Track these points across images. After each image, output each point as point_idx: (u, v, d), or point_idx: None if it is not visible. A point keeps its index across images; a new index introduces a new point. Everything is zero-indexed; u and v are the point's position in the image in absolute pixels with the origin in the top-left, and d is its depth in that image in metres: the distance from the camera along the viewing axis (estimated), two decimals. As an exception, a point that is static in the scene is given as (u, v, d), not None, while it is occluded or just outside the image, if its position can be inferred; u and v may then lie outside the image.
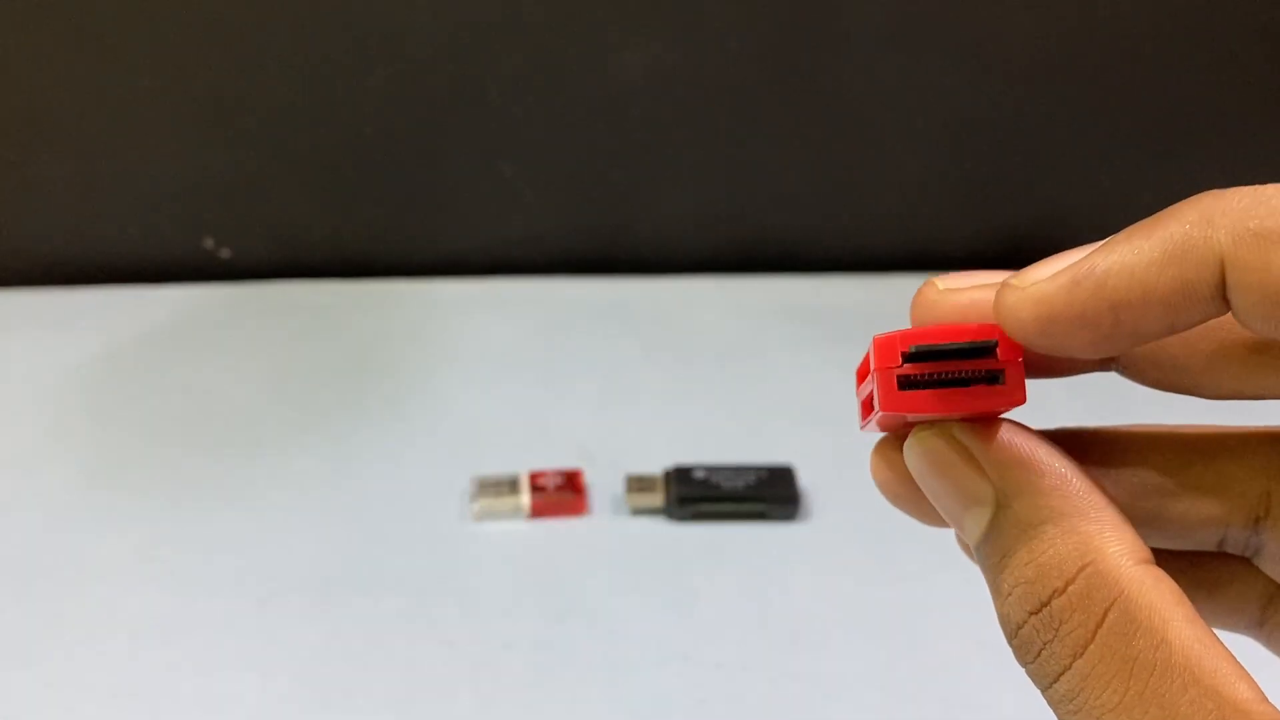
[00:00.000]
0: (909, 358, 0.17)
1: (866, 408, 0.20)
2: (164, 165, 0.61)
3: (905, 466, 0.19)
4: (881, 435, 0.21)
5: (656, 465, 0.49)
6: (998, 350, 0.17)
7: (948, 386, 0.17)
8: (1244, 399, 0.18)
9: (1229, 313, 0.16)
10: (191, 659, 0.41)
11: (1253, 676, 0.15)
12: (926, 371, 0.17)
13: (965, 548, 0.19)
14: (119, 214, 0.63)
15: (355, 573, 0.44)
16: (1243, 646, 0.17)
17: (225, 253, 0.64)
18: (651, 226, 0.65)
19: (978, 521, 0.17)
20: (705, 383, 0.56)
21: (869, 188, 0.64)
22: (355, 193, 0.63)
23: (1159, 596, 0.15)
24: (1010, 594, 0.17)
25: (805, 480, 0.48)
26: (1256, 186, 0.15)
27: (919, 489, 0.19)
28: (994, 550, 0.17)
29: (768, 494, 0.47)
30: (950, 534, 0.20)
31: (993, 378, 0.17)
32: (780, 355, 0.58)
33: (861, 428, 0.20)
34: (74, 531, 0.46)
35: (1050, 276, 0.17)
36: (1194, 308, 0.16)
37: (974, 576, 0.19)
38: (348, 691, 0.40)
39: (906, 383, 0.18)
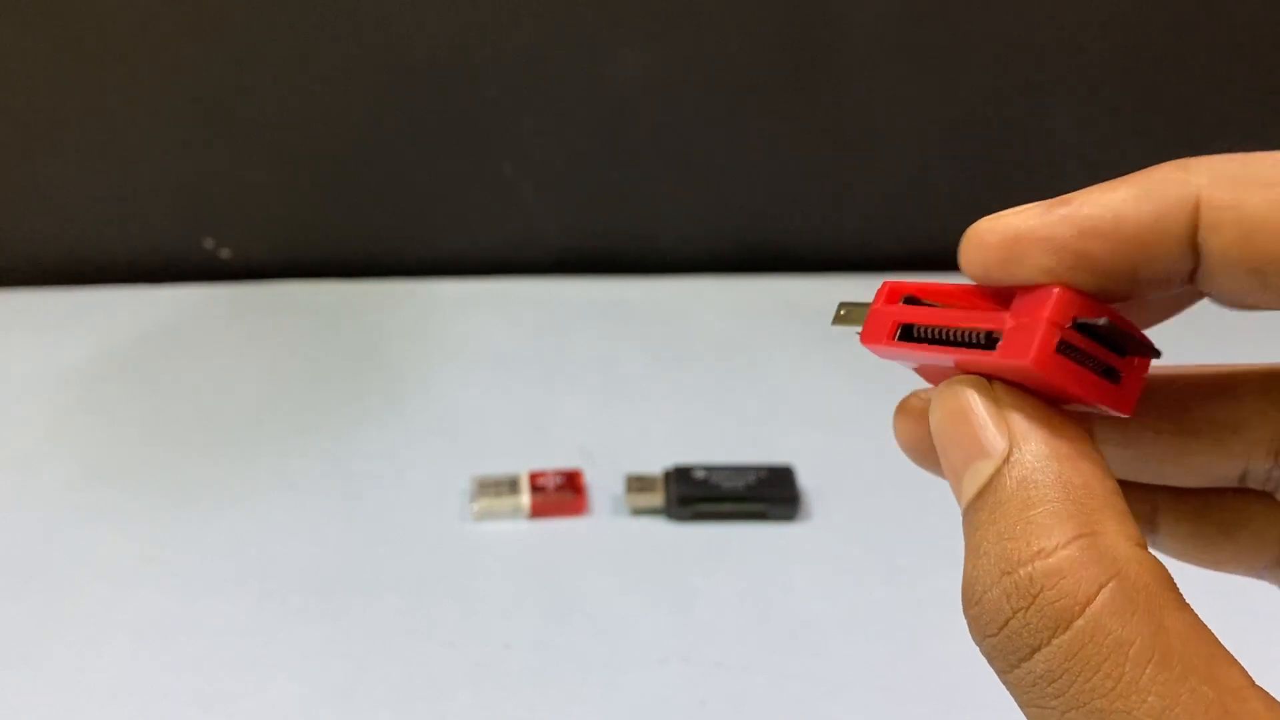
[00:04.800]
0: (1081, 327, 0.16)
1: (933, 354, 0.19)
2: (164, 165, 0.61)
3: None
4: (903, 398, 0.21)
5: (656, 465, 0.49)
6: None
7: (1084, 367, 0.17)
8: None
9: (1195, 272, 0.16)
10: (191, 659, 0.41)
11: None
12: (1080, 345, 0.16)
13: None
14: (119, 214, 0.63)
15: (355, 573, 0.44)
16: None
17: (225, 253, 0.64)
18: (651, 226, 0.65)
19: (978, 475, 0.16)
20: (705, 383, 0.56)
21: (869, 188, 0.64)
22: (355, 193, 0.63)
23: (1154, 580, 0.15)
24: (987, 553, 0.16)
25: (805, 480, 0.48)
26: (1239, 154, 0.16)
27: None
28: (985, 504, 0.16)
29: (768, 494, 0.47)
30: (950, 534, 0.19)
31: (1113, 375, 0.17)
32: (780, 355, 0.58)
33: (910, 367, 0.20)
34: (74, 531, 0.46)
35: (1024, 208, 0.17)
36: (1164, 246, 0.16)
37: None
38: (348, 691, 0.40)
39: (1063, 348, 0.16)
